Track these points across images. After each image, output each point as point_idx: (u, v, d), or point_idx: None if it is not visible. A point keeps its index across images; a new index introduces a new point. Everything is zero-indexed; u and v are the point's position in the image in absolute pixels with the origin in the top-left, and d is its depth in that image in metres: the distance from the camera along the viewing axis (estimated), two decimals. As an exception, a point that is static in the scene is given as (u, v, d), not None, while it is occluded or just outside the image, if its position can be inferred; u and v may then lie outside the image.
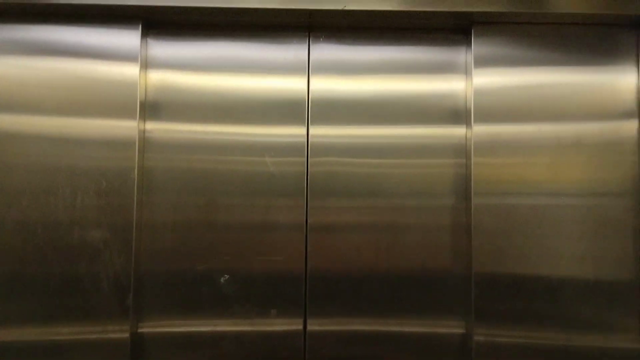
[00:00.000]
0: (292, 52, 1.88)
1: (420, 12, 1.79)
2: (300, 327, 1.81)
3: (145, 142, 1.83)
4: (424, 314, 1.84)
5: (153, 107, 1.85)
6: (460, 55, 1.90)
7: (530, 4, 1.79)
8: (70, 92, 1.79)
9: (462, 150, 1.87)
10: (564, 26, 1.86)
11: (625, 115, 1.85)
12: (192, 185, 1.82)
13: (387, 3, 1.77)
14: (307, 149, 1.85)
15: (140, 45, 1.81)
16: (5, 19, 1.80)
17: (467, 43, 1.88)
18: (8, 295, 1.74)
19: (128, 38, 1.81)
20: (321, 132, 1.86)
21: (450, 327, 1.84)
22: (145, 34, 1.85)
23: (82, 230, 1.76)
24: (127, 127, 1.79)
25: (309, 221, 1.82)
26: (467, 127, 1.87)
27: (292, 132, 1.86)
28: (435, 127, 1.89)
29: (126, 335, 1.75)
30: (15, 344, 1.74)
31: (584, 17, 1.82)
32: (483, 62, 1.84)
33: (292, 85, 1.87)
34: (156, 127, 1.85)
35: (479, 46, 1.85)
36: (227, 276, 1.81)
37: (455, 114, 1.89)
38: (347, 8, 1.77)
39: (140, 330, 1.80)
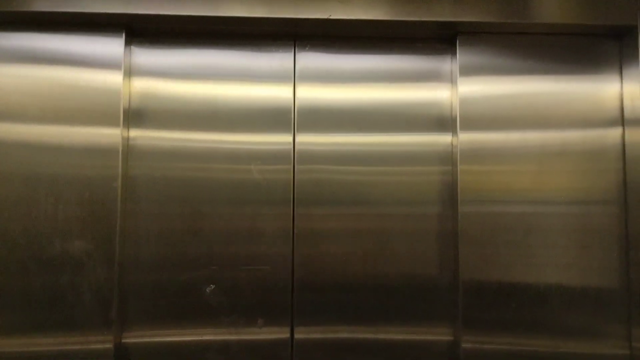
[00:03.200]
0: (277, 60, 1.88)
1: (405, 21, 1.79)
2: (288, 335, 1.80)
3: (129, 150, 1.81)
4: (411, 321, 1.84)
5: (137, 114, 1.83)
6: (445, 64, 1.91)
7: (515, 14, 1.80)
8: (53, 99, 1.77)
9: (448, 157, 1.88)
10: (548, 36, 1.88)
11: (610, 123, 1.87)
12: (176, 194, 1.81)
13: (372, 12, 1.77)
14: (293, 156, 1.84)
15: (124, 52, 1.80)
16: (-14, 27, 1.78)
17: (453, 52, 1.89)
18: (-10, 307, 1.72)
19: (111, 46, 1.79)
20: (307, 139, 1.86)
21: (438, 335, 1.84)
22: (129, 42, 1.83)
23: (64, 240, 1.73)
24: (110, 134, 1.77)
25: (295, 229, 1.82)
26: (452, 135, 1.88)
27: (278, 140, 1.85)
28: (421, 134, 1.89)
29: (110, 345, 1.72)
30: (-3, 356, 1.72)
31: (568, 27, 1.84)
32: (468, 71, 1.85)
33: (278, 93, 1.86)
34: (140, 135, 1.83)
35: (464, 55, 1.86)
36: (212, 286, 1.79)
37: (441, 122, 1.89)
38: (332, 17, 1.77)
39: (124, 340, 1.78)
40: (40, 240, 1.73)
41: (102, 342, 1.72)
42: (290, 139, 1.85)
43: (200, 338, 1.79)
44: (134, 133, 1.83)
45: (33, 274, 1.72)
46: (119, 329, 1.76)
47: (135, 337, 1.78)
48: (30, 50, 1.79)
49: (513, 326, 1.80)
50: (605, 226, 1.84)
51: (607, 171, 1.86)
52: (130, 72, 1.84)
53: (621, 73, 1.88)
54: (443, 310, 1.84)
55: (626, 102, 1.86)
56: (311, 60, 1.89)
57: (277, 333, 1.81)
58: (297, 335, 1.81)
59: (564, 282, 1.82)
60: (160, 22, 1.80)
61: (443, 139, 1.89)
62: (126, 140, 1.81)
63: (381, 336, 1.83)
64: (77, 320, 1.72)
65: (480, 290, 1.80)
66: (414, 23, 1.80)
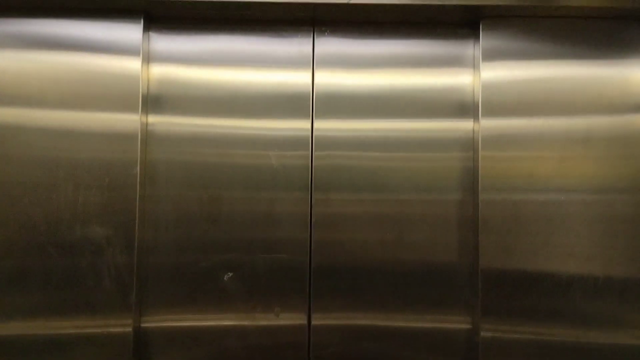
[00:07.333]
0: (296, 46, 1.86)
1: (427, 5, 1.76)
2: (305, 321, 1.81)
3: (147, 136, 1.82)
4: (430, 309, 1.83)
5: (155, 100, 1.84)
6: (468, 49, 1.87)
7: (540, -3, 1.76)
8: (72, 85, 1.78)
9: (469, 144, 1.85)
10: (573, 19, 1.83)
11: (636, 109, 1.82)
12: (195, 180, 1.81)
13: (392, -4, 1.75)
14: (311, 142, 1.84)
15: (142, 38, 1.80)
16: (7, 13, 1.79)
17: (475, 37, 1.85)
18: (12, 290, 1.74)
19: (130, 32, 1.79)
20: (326, 125, 1.84)
21: (456, 323, 1.83)
22: (147, 28, 1.83)
23: (84, 225, 1.75)
24: (129, 120, 1.77)
25: (313, 215, 1.81)
26: (474, 121, 1.85)
27: (296, 126, 1.84)
28: (442, 120, 1.87)
29: (129, 329, 1.74)
30: (19, 338, 1.74)
31: (594, 10, 1.79)
32: (491, 56, 1.82)
33: (296, 79, 1.85)
34: (159, 121, 1.83)
35: (487, 40, 1.82)
36: (230, 274, 1.80)
37: (463, 107, 1.86)
38: (352, 2, 1.75)
39: (143, 324, 1.80)
40: (61, 225, 1.75)
41: (121, 326, 1.74)
42: (309, 125, 1.84)
43: (218, 323, 1.80)
44: (153, 119, 1.83)
45: (53, 258, 1.74)
46: (138, 314, 1.78)
47: (154, 322, 1.80)
48: (50, 36, 1.80)
49: (533, 315, 1.78)
50: (631, 214, 1.79)
51: (633, 158, 1.81)
52: (148, 58, 1.84)
53: (650, 57, 1.83)
54: (462, 298, 1.82)
55: (654, 88, 1.82)
56: (330, 45, 1.87)
57: (294, 319, 1.81)
58: (314, 322, 1.81)
59: (587, 271, 1.78)
60: (179, 8, 1.79)
61: (464, 125, 1.86)
62: (145, 125, 1.81)
63: (399, 323, 1.82)
64: (97, 304, 1.74)
65: (500, 279, 1.78)
66: (436, 7, 1.76)
